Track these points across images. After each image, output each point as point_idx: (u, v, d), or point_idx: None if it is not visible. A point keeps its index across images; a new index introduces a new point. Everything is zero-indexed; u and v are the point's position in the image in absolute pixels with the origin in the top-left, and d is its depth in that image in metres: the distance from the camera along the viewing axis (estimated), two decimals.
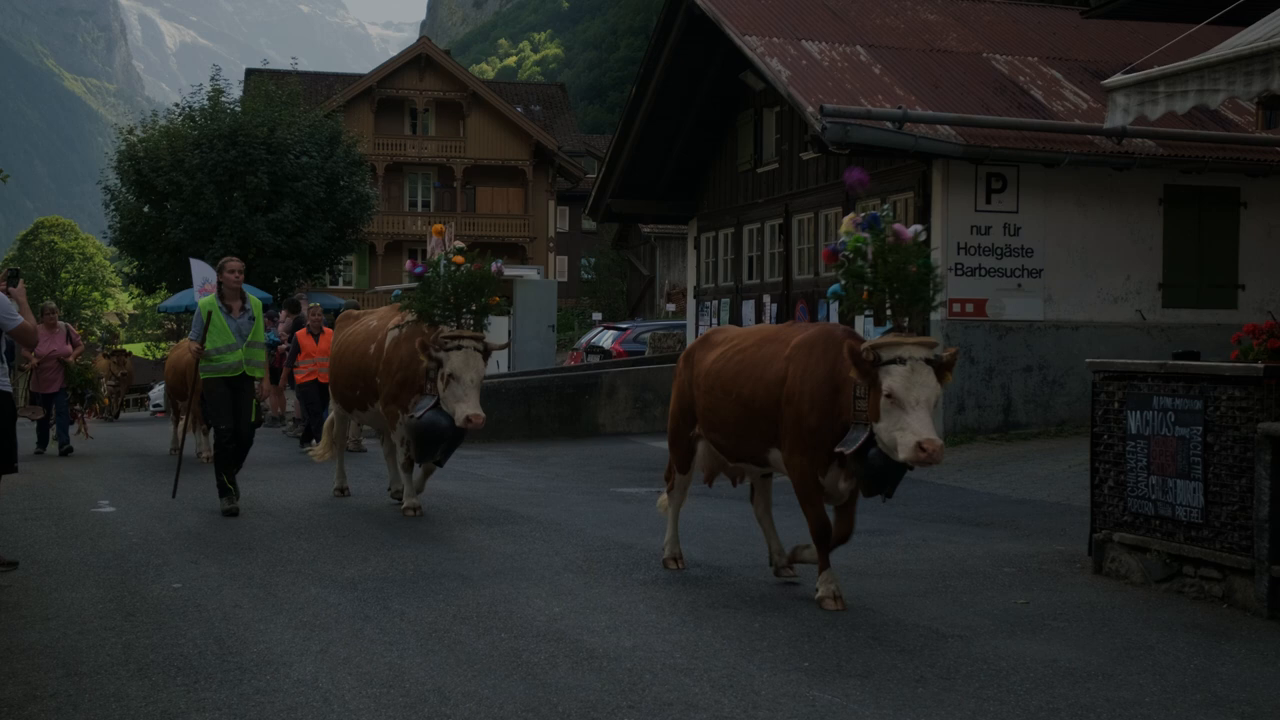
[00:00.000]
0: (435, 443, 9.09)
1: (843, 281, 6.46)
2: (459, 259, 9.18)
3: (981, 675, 5.19)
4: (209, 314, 9.81)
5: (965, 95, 15.12)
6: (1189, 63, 7.19)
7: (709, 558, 7.93)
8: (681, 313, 28.46)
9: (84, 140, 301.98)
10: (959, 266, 14.01)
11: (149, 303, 52.95)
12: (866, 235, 6.33)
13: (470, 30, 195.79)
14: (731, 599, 6.67)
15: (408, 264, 10.04)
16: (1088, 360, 7.79)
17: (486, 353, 9.08)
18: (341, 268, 43.08)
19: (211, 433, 14.02)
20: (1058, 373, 14.33)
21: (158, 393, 30.77)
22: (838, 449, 6.11)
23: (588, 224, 51.15)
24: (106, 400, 20.96)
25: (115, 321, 72.52)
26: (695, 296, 20.32)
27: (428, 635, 5.85)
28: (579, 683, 5.08)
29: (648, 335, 25.49)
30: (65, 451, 15.44)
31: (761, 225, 17.97)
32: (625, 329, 27.86)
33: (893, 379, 5.86)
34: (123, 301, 74.45)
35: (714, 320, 19.30)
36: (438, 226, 9.71)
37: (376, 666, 5.33)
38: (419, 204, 49.07)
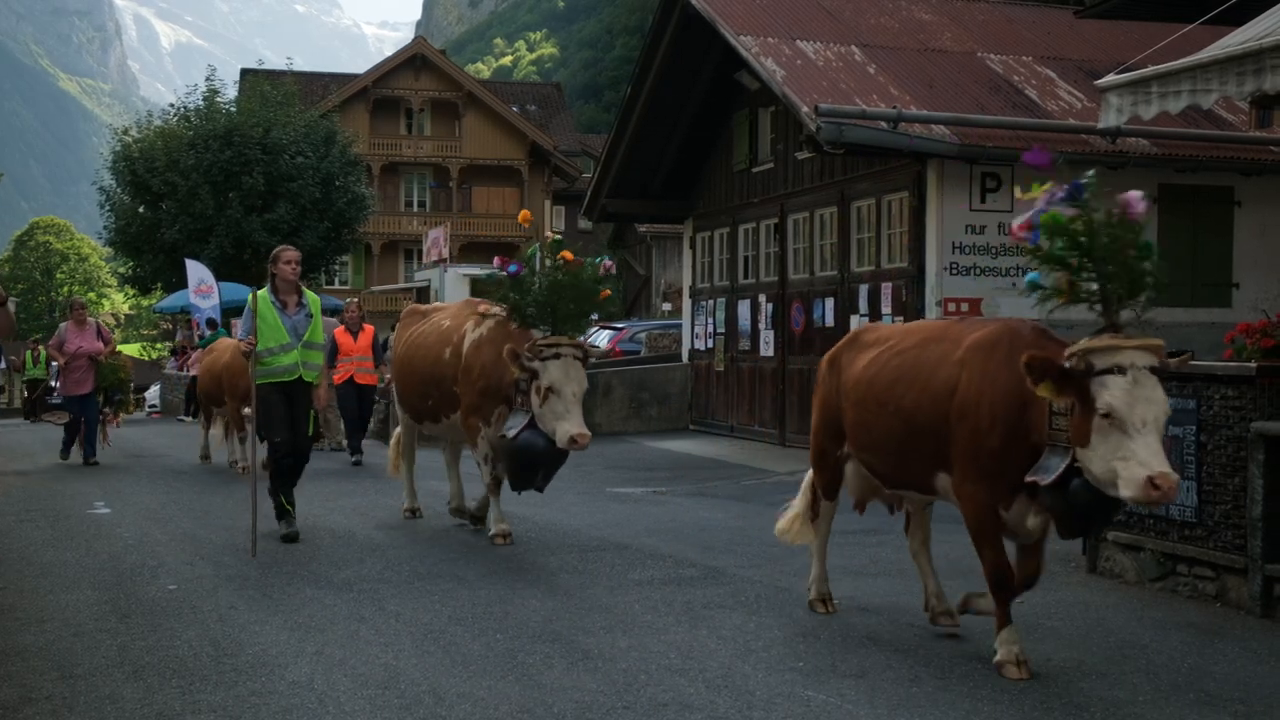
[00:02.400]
0: (533, 467, 7.88)
1: (1035, 267, 5.10)
2: (568, 255, 7.98)
3: (976, 675, 5.20)
4: (259, 309, 8.54)
5: (960, 95, 15.14)
6: (1182, 63, 7.22)
7: (704, 558, 7.95)
8: (678, 312, 28.45)
9: (79, 141, 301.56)
10: (953, 266, 14.01)
11: (145, 303, 52.93)
12: (1065, 211, 4.95)
13: (466, 30, 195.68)
14: (727, 599, 6.68)
15: (496, 261, 8.55)
16: None
17: (586, 360, 7.89)
18: (337, 268, 43.01)
19: (239, 441, 13.12)
20: None
21: (153, 393, 30.73)
22: (1029, 478, 4.98)
23: (584, 224, 51.16)
24: (133, 407, 19.43)
25: (111, 322, 72.40)
26: (691, 296, 20.32)
27: (423, 636, 5.86)
28: (574, 683, 5.09)
29: (644, 335, 25.48)
30: (89, 463, 13.87)
31: (757, 225, 17.97)
32: (621, 328, 27.86)
33: (1112, 394, 4.63)
34: (118, 302, 74.39)
35: (709, 320, 19.31)
36: (525, 213, 8.58)
37: (372, 668, 5.34)
38: (415, 204, 49.05)
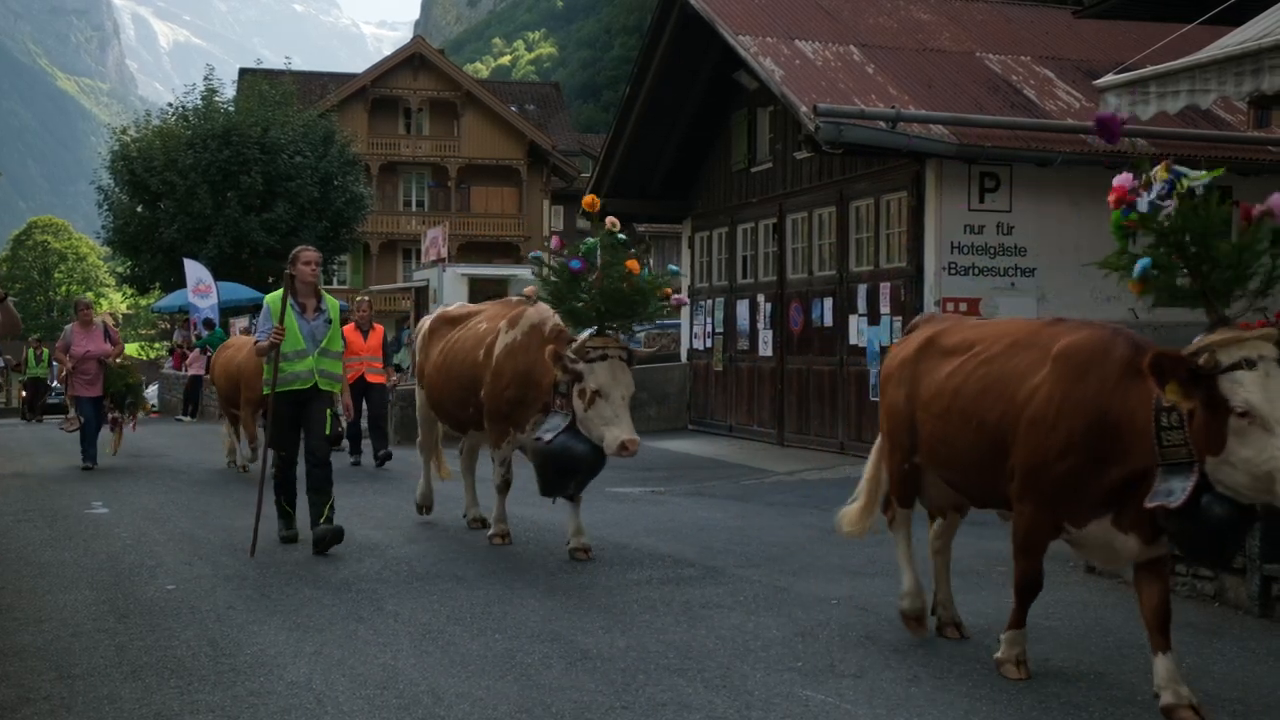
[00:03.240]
0: (570, 473, 7.48)
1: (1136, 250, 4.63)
2: (634, 265, 7.40)
3: (974, 675, 5.20)
4: (276, 312, 8.09)
5: (958, 95, 15.15)
6: (1180, 63, 7.22)
7: (703, 557, 7.94)
8: (675, 312, 28.46)
9: (77, 140, 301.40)
10: (952, 266, 14.02)
11: (143, 303, 52.94)
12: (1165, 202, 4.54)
13: (465, 29, 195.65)
14: (725, 599, 6.68)
15: (555, 241, 8.07)
16: None
17: (632, 362, 7.50)
18: (336, 267, 43.05)
19: (245, 444, 12.75)
20: None
21: (152, 393, 30.71)
22: (1149, 504, 4.42)
23: (582, 223, 51.17)
24: (148, 407, 18.21)
25: (110, 321, 72.33)
26: (690, 296, 20.32)
27: (422, 636, 5.86)
28: (573, 683, 5.09)
29: (641, 334, 25.49)
30: (85, 468, 13.35)
31: (755, 225, 17.97)
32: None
33: (1247, 389, 4.15)
34: (116, 302, 74.32)
35: (708, 320, 19.31)
36: (590, 198, 7.93)
37: (370, 668, 5.34)
38: (413, 203, 49.04)
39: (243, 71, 46.74)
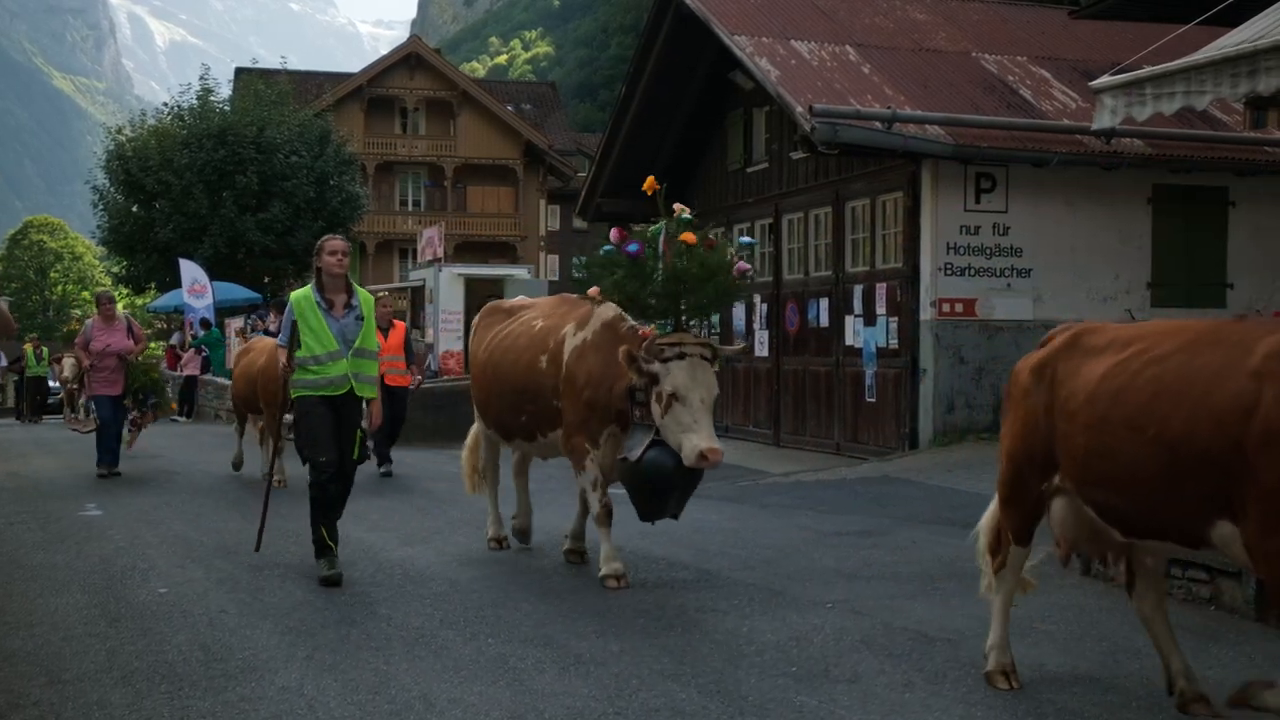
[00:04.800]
0: (665, 492, 6.77)
1: None
2: (689, 237, 6.74)
3: (969, 679, 5.18)
4: (302, 310, 7.26)
5: (954, 95, 15.13)
6: (1176, 64, 7.20)
7: (698, 560, 7.91)
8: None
9: (73, 139, 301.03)
10: (948, 266, 14.00)
11: (138, 303, 52.78)
12: None
13: (461, 28, 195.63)
14: (720, 602, 6.65)
15: (614, 234, 7.01)
16: None
17: (715, 360, 6.79)
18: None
19: (270, 454, 10.94)
20: None
21: None
22: None
23: (579, 223, 51.20)
24: (173, 406, 17.42)
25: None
26: None
27: (414, 641, 5.83)
28: (565, 688, 5.06)
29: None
30: (104, 474, 12.52)
31: (751, 225, 17.95)
32: None
33: None
34: None
35: (704, 320, 19.28)
36: (651, 181, 7.14)
37: (362, 673, 5.31)
38: (409, 203, 48.98)
39: (238, 71, 46.67)
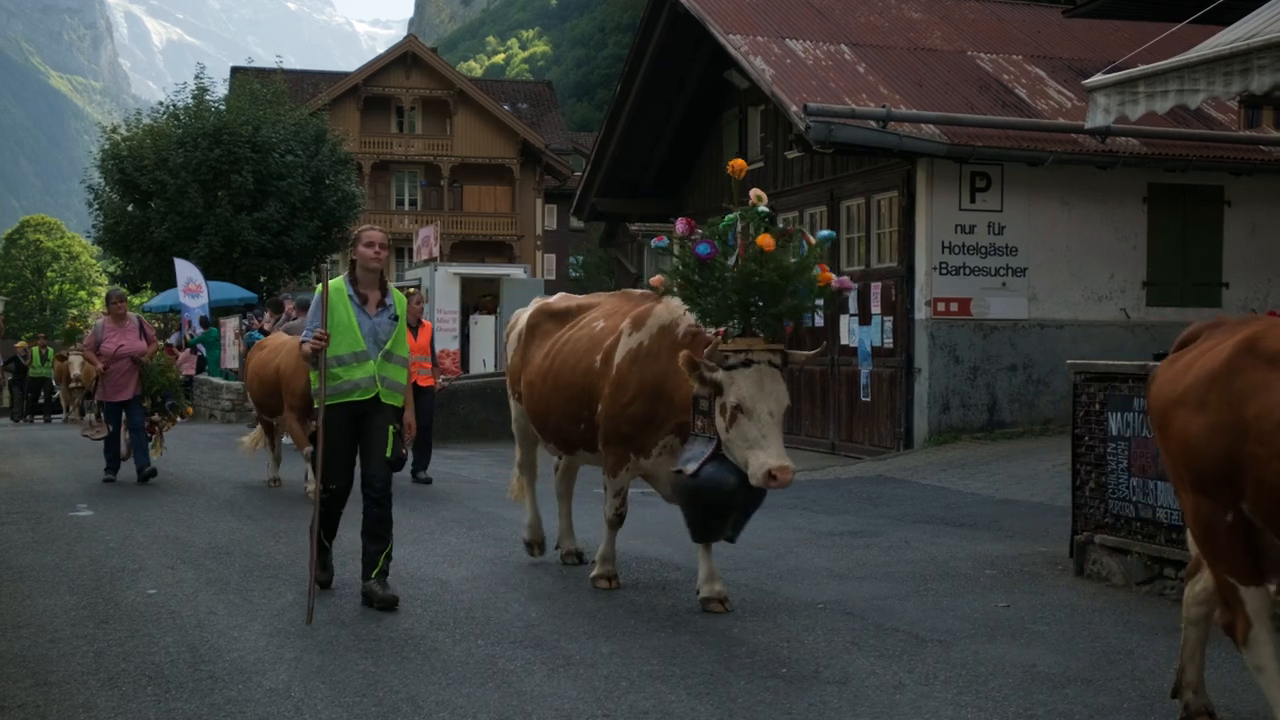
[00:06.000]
0: (723, 511, 6.14)
1: None
2: (766, 242, 5.98)
3: (960, 681, 5.16)
4: (332, 302, 6.56)
5: (949, 94, 15.11)
6: (1169, 63, 7.19)
7: (690, 561, 7.86)
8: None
9: (70, 138, 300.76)
10: (943, 265, 13.99)
11: (134, 302, 52.71)
12: None
13: (458, 28, 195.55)
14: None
15: (680, 225, 6.32)
16: (1069, 362, 7.77)
17: (786, 368, 6.17)
18: (328, 266, 42.88)
19: (306, 460, 10.43)
20: (1042, 371, 14.32)
21: None
22: None
23: (576, 222, 51.18)
24: (190, 410, 16.78)
25: (96, 322, 72.04)
26: None
27: (403, 642, 5.80)
28: (554, 690, 5.04)
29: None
30: (146, 476, 12.04)
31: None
32: None
33: None
34: None
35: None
36: (738, 162, 6.48)
37: (350, 675, 5.28)
38: (406, 202, 48.94)
39: (234, 70, 46.58)
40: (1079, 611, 6.45)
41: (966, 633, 5.95)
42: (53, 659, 5.57)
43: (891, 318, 14.43)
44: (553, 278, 49.85)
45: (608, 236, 45.27)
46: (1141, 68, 7.53)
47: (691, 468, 6.05)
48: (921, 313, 13.97)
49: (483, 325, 24.45)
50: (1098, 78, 7.86)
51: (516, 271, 28.43)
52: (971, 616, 6.30)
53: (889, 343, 14.48)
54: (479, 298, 25.51)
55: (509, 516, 9.71)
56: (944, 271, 14.00)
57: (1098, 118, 7.93)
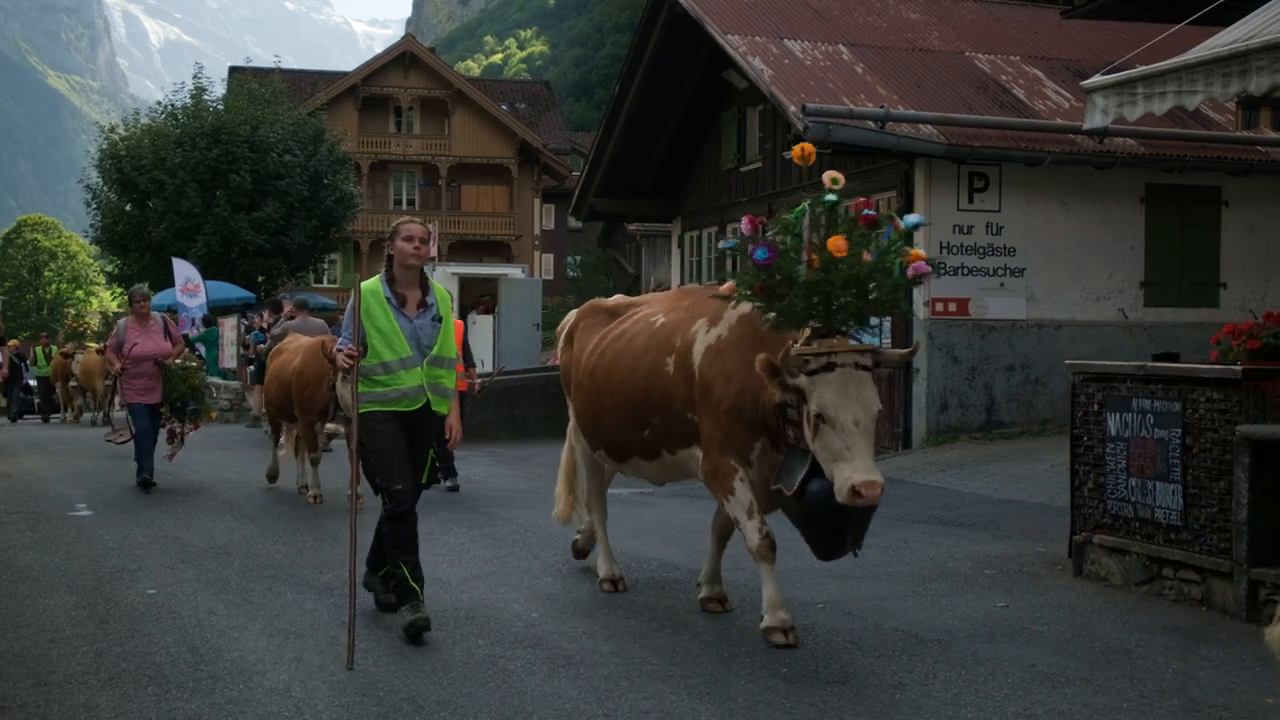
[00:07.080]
0: (839, 527, 5.53)
1: None
2: (837, 245, 5.30)
3: (959, 681, 5.17)
4: (368, 306, 6.00)
5: (947, 94, 15.12)
6: (1167, 64, 7.19)
7: (689, 560, 7.89)
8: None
9: (68, 138, 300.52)
10: (941, 266, 13.99)
11: None
12: None
13: (456, 27, 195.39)
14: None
15: (745, 224, 5.66)
16: (1067, 362, 7.78)
17: (876, 371, 5.48)
18: (326, 266, 42.92)
19: (311, 464, 10.61)
20: (1040, 372, 14.34)
21: None
22: None
23: (574, 222, 51.18)
24: (213, 415, 16.07)
25: (95, 322, 72.05)
26: None
27: (403, 642, 5.80)
28: (555, 690, 5.05)
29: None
30: (144, 483, 11.43)
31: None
32: None
33: None
34: (106, 300, 74.06)
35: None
36: (804, 146, 5.80)
37: (350, 675, 5.28)
38: (404, 202, 48.92)
39: (232, 70, 46.61)
40: (1078, 611, 6.46)
41: (965, 632, 5.96)
42: (53, 659, 5.57)
43: (889, 318, 14.43)
44: (551, 277, 49.89)
45: (606, 236, 45.48)
46: (1140, 69, 7.54)
47: (794, 482, 5.51)
48: (920, 313, 13.99)
49: (481, 325, 24.45)
50: (1096, 79, 7.87)
51: (514, 271, 28.43)
52: (970, 616, 6.31)
53: (887, 343, 14.47)
54: (477, 298, 25.52)
55: (507, 516, 9.73)
56: (942, 271, 14.01)
57: (1096, 118, 7.93)
